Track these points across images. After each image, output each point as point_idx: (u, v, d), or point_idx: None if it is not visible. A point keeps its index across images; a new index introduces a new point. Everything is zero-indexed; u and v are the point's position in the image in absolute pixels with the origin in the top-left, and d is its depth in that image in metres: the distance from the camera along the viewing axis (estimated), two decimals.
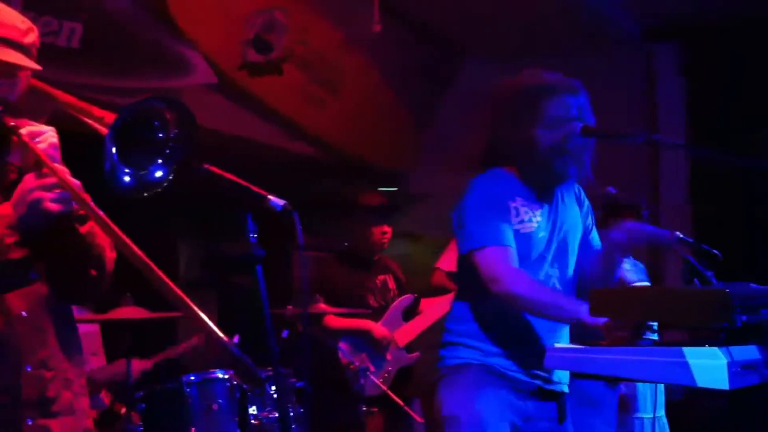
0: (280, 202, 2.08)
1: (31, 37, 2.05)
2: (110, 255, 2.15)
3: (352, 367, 4.54)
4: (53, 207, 1.89)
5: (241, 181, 2.12)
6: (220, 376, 3.90)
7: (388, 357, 4.77)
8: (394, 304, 4.86)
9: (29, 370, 2.01)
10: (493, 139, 2.84)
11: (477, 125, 2.91)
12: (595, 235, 2.97)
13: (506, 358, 2.72)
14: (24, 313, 2.02)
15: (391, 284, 4.94)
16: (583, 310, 2.45)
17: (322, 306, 4.56)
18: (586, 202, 2.97)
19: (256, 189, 2.12)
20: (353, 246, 4.89)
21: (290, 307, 4.47)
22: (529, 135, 2.70)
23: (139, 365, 3.99)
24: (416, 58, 6.70)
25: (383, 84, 6.71)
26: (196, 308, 1.64)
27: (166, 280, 1.63)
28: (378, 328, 4.73)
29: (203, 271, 6.90)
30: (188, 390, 3.78)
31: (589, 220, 2.97)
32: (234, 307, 5.46)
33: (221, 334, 1.74)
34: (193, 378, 3.83)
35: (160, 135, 1.93)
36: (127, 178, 1.89)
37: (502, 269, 2.62)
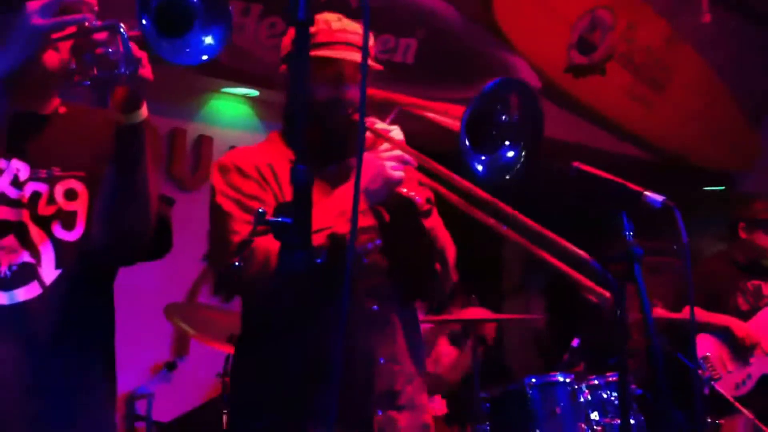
0: (659, 198, 2.00)
1: (370, 41, 2.15)
2: (452, 250, 2.20)
3: (701, 370, 4.29)
4: (393, 174, 2.01)
5: (615, 178, 2.08)
6: (561, 379, 3.86)
7: (751, 360, 4.44)
8: (765, 308, 4.53)
9: (381, 362, 2.09)
10: None
11: None
12: None
13: None
14: (375, 308, 2.11)
15: (766, 290, 4.63)
16: None
17: (660, 311, 4.39)
18: None
19: (631, 186, 2.07)
20: (733, 249, 4.68)
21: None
22: None
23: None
24: (751, 47, 6.23)
25: (715, 78, 6.32)
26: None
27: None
28: (740, 326, 4.43)
29: (528, 273, 6.93)
30: (531, 392, 3.79)
31: None
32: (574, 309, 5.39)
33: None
34: (534, 381, 3.83)
35: (504, 117, 1.93)
36: (480, 167, 1.91)
37: None
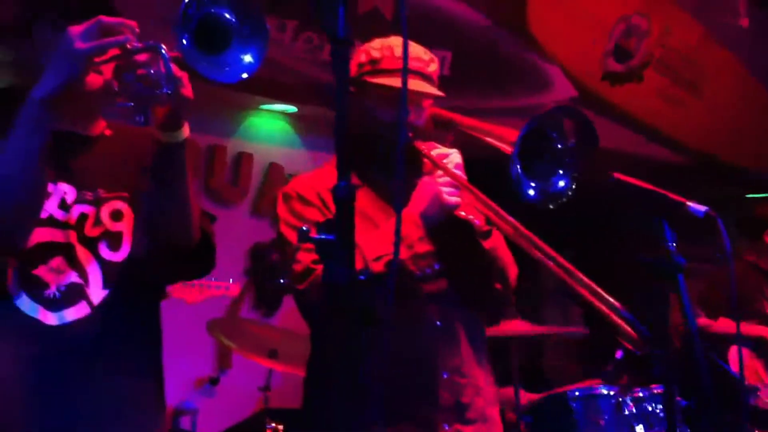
0: (702, 208, 1.99)
1: (433, 67, 2.19)
2: (513, 270, 2.22)
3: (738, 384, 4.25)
4: (449, 200, 2.03)
5: (656, 188, 2.07)
6: (605, 392, 3.82)
7: None
8: None
9: (445, 376, 2.10)
10: None
11: None
12: None
13: None
14: (438, 323, 2.13)
15: None
16: None
17: (703, 320, 4.36)
18: None
19: (672, 195, 2.06)
20: (754, 254, 4.65)
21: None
22: None
23: (526, 396, 4.07)
24: None
25: (752, 81, 6.24)
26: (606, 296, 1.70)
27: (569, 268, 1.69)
28: None
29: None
30: (574, 405, 3.76)
31: None
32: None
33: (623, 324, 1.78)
34: (578, 393, 3.80)
35: (559, 145, 1.95)
36: (531, 192, 1.93)
37: None
